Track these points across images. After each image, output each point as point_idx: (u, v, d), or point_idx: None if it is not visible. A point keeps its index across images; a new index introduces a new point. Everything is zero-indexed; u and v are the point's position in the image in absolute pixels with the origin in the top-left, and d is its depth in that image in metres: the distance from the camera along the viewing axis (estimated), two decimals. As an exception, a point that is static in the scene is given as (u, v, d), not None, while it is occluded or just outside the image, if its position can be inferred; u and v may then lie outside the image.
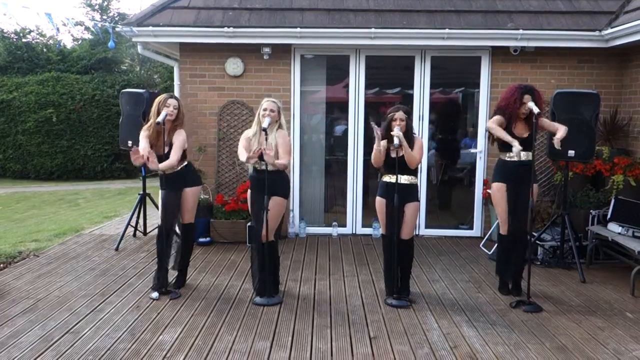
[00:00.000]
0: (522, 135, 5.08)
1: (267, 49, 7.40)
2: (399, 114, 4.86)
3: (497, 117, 5.17)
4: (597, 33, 6.96)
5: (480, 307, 4.94)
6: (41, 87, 16.43)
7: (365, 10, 7.27)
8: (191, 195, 5.31)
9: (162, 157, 5.09)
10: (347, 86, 7.66)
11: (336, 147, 8.05)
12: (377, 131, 4.85)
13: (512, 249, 5.21)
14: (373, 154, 4.95)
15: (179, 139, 5.14)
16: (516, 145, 4.93)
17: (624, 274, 5.75)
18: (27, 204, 12.09)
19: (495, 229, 6.83)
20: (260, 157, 4.79)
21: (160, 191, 5.19)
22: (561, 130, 5.04)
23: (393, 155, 4.88)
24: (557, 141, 4.97)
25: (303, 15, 7.24)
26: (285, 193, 5.07)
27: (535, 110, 4.84)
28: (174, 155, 5.07)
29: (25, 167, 16.79)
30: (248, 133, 5.11)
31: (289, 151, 5.04)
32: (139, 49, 7.77)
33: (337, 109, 8.05)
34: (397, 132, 4.77)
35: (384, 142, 4.93)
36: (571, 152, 5.88)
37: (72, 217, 9.74)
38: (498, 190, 5.22)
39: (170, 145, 5.13)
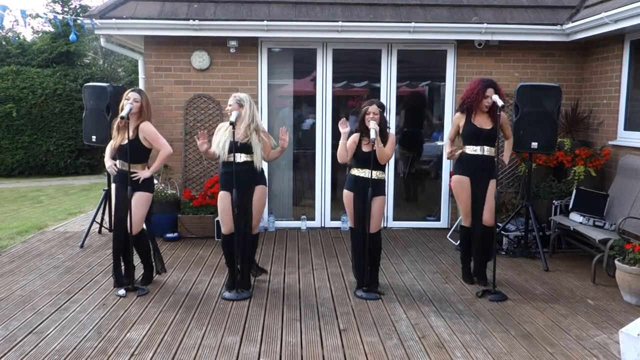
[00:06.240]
0: (484, 127, 5.15)
1: (233, 42, 7.33)
2: (373, 108, 4.87)
3: (453, 123, 5.45)
4: (558, 27, 7.10)
5: (447, 297, 5.01)
6: (0, 81, 15.94)
7: (332, 4, 7.26)
8: (140, 200, 4.98)
9: (124, 147, 4.91)
10: (314, 79, 7.65)
11: (304, 140, 8.05)
12: (342, 126, 4.92)
13: (474, 240, 5.29)
14: (339, 149, 4.98)
15: (151, 130, 4.99)
16: (454, 154, 5.31)
17: (585, 262, 5.91)
18: (-13, 202, 11.75)
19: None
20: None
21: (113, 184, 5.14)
22: (507, 155, 5.59)
23: (365, 149, 4.91)
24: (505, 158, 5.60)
25: (270, 9, 7.18)
26: (265, 182, 5.15)
27: (500, 102, 4.92)
28: (161, 143, 5.03)
29: (-16, 164, 16.31)
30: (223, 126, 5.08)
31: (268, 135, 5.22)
32: (102, 42, 7.63)
33: (304, 102, 8.04)
34: (374, 125, 4.79)
35: (354, 136, 4.96)
36: (534, 144, 6.01)
37: (34, 214, 9.51)
38: (459, 182, 5.27)
39: (136, 136, 4.95)
